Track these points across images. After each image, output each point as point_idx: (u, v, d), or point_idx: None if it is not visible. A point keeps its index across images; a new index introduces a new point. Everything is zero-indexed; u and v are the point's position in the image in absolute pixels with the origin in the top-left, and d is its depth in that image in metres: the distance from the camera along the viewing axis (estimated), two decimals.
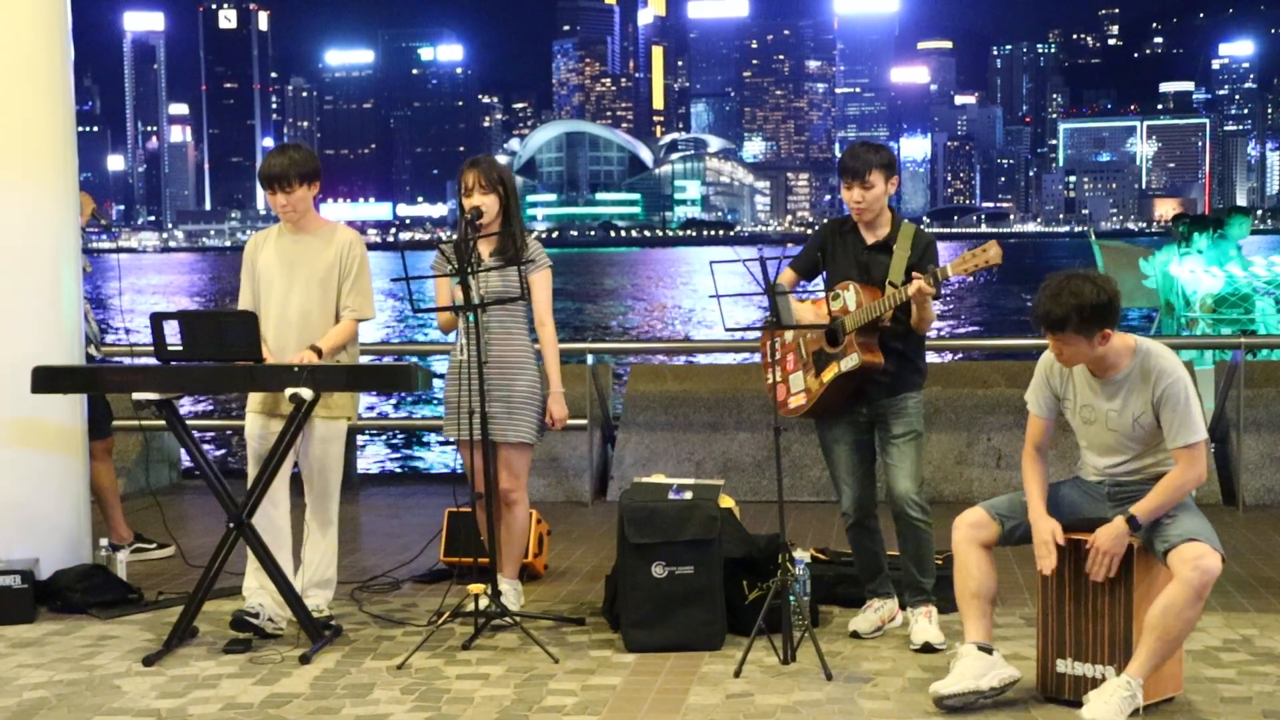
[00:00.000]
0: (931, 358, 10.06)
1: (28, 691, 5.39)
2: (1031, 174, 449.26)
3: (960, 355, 14.71)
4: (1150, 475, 5.07)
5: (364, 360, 7.01)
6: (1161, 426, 5.00)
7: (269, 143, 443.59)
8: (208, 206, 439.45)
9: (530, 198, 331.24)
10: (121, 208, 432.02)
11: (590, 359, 9.76)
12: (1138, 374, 5.02)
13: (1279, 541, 7.97)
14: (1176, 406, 4.95)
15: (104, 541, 7.33)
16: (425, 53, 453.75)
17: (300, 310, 6.20)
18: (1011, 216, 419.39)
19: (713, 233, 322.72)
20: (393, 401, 23.67)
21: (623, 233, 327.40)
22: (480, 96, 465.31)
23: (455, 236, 6.39)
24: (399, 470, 17.64)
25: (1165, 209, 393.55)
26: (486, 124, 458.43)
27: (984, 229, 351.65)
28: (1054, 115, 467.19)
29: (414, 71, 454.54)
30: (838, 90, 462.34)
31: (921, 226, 6.07)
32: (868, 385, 5.96)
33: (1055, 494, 5.21)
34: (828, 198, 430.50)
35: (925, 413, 9.31)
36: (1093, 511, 5.11)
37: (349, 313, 6.26)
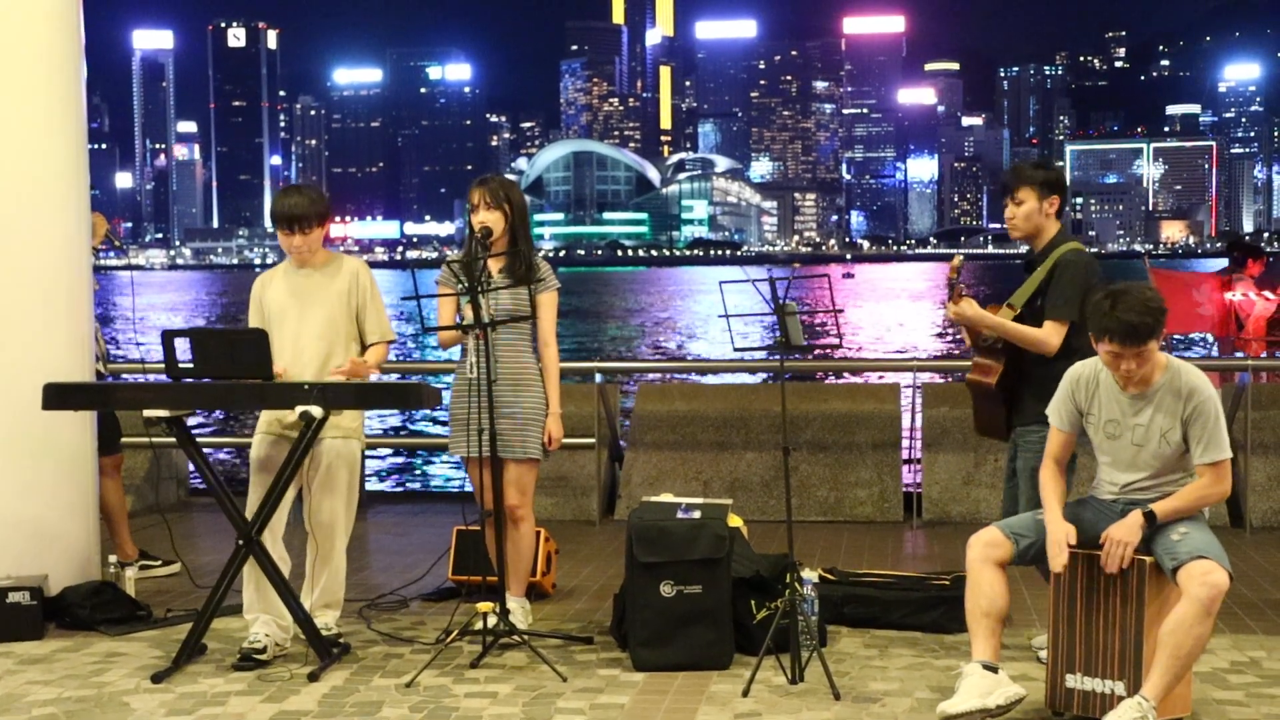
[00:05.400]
0: (936, 378, 10.09)
1: (37, 708, 5.40)
2: None
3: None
4: (1165, 494, 5.11)
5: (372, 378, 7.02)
6: (1188, 442, 5.05)
7: (277, 161, 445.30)
8: (215, 224, 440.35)
9: (537, 216, 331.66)
10: (129, 225, 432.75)
11: (598, 378, 9.77)
12: (1168, 390, 5.07)
13: None
14: (1206, 423, 5.01)
15: (113, 558, 7.33)
16: (433, 72, 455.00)
17: (316, 341, 6.20)
18: None
19: (720, 252, 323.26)
20: (390, 419, 23.68)
21: (630, 252, 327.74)
22: (488, 115, 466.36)
23: (463, 254, 6.43)
24: (407, 488, 17.63)
25: (1172, 231, 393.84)
26: (494, 143, 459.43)
27: (991, 250, 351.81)
28: (1061, 137, 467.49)
29: (422, 90, 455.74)
30: (845, 111, 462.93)
31: (1079, 247, 5.90)
32: (1011, 408, 5.96)
33: (1069, 513, 5.22)
34: (834, 218, 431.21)
35: (935, 433, 9.36)
36: (1107, 529, 5.12)
37: (373, 338, 6.30)
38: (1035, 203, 5.93)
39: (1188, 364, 5.16)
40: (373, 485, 15.50)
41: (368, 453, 10.07)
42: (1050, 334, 5.80)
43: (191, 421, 6.21)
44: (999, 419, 6.00)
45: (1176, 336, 12.99)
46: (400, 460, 20.26)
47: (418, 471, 19.63)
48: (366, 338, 6.31)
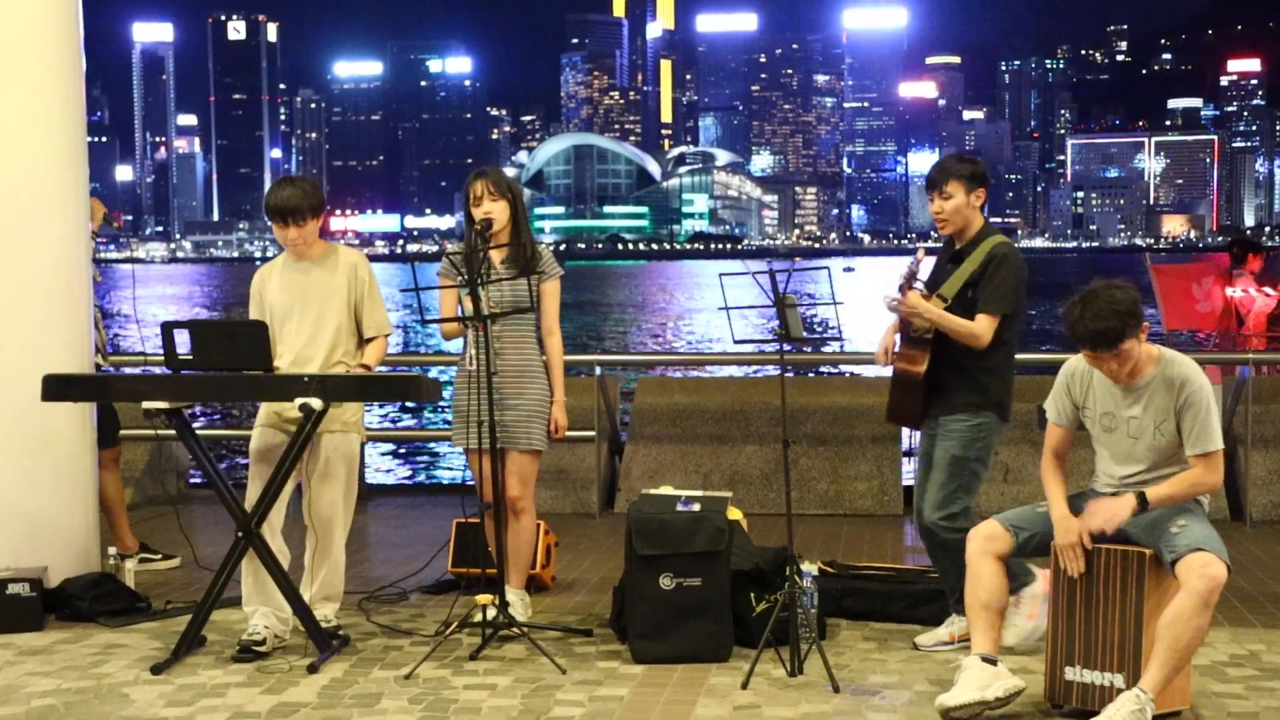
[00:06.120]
0: None
1: (36, 699, 5.40)
2: (1039, 189, 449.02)
3: None
4: None
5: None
6: (1181, 433, 5.05)
7: (277, 154, 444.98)
8: (215, 217, 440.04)
9: (538, 210, 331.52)
10: (130, 218, 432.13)
11: (598, 371, 9.77)
12: (1160, 381, 5.07)
13: None
14: (1198, 414, 5.01)
15: (112, 550, 7.34)
16: (434, 65, 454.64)
17: (319, 341, 6.19)
18: (1019, 232, 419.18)
19: (720, 246, 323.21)
20: (382, 410, 23.68)
21: (630, 245, 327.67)
22: (489, 109, 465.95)
23: (464, 247, 6.42)
24: (408, 481, 17.65)
25: (1173, 225, 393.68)
26: (495, 136, 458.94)
27: None
28: (1062, 131, 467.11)
29: (422, 83, 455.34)
30: (846, 105, 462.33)
31: (1006, 240, 5.96)
32: (930, 397, 5.96)
33: (1069, 507, 5.21)
34: (835, 212, 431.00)
35: None
36: (1098, 498, 5.12)
37: (374, 330, 6.30)
38: (963, 196, 5.97)
39: (1180, 355, 5.15)
40: (372, 477, 15.52)
41: (367, 445, 10.06)
42: (984, 328, 5.84)
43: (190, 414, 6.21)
44: (916, 408, 6.02)
45: (1176, 331, 12.98)
46: (401, 452, 20.28)
47: (419, 462, 19.64)
48: (365, 332, 6.31)
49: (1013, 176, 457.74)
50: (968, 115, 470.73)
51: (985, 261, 5.88)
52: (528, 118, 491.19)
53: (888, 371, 6.18)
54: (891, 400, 6.11)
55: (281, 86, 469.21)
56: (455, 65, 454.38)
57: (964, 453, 5.93)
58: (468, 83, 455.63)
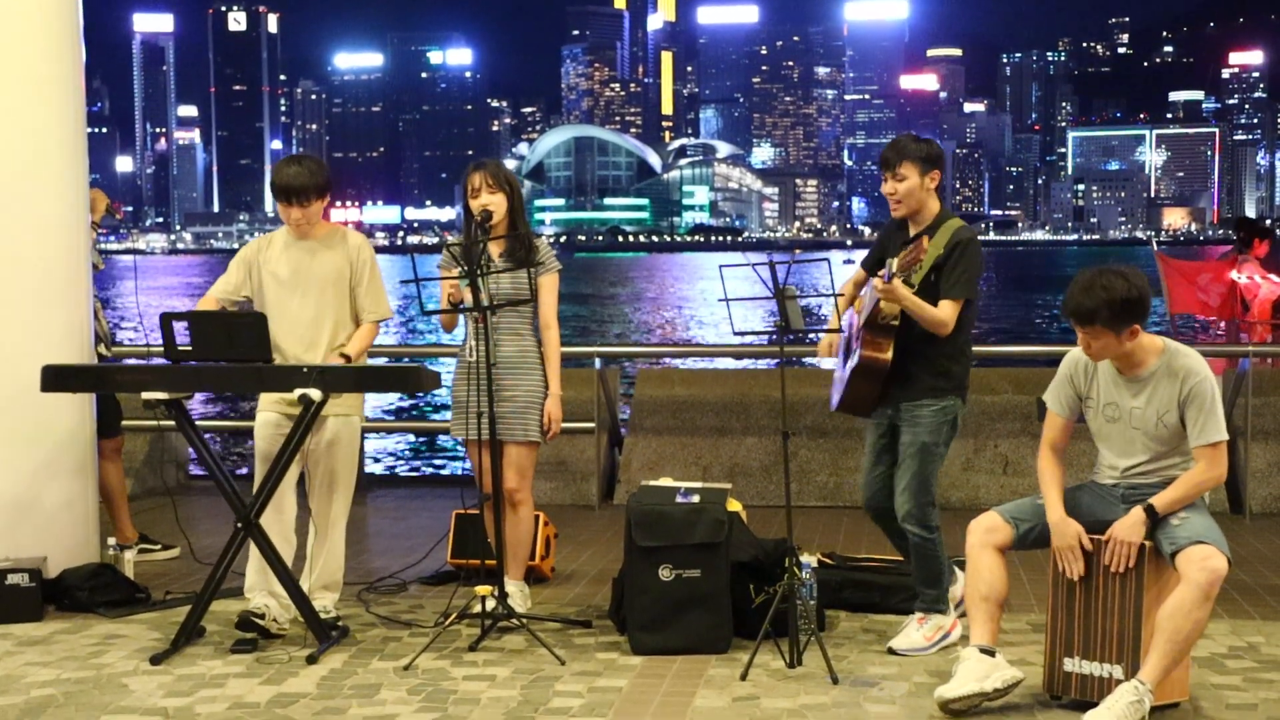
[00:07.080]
0: None
1: (35, 689, 5.40)
2: (1040, 182, 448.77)
3: None
4: (1166, 478, 5.12)
5: (371, 361, 7.02)
6: (1185, 425, 5.06)
7: (278, 145, 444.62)
8: (216, 209, 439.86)
9: (538, 202, 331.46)
10: (130, 209, 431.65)
11: (598, 363, 9.77)
12: (1164, 372, 5.08)
13: None
14: (1203, 405, 5.01)
15: (112, 540, 7.34)
16: (434, 56, 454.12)
17: (320, 323, 6.19)
18: (1020, 224, 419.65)
19: (721, 238, 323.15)
20: (391, 403, 23.66)
21: (630, 238, 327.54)
22: (489, 101, 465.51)
23: (463, 238, 6.41)
24: (407, 472, 17.64)
25: (1174, 218, 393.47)
26: (495, 128, 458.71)
27: (992, 236, 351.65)
28: (1063, 123, 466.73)
29: (423, 75, 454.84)
30: (847, 97, 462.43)
31: (966, 225, 5.92)
32: (889, 386, 5.94)
33: (1070, 499, 5.22)
34: (836, 204, 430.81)
35: None
36: (1108, 514, 5.12)
37: (368, 315, 6.29)
38: (917, 178, 5.91)
39: (1184, 347, 5.16)
40: (372, 469, 15.52)
41: (367, 437, 10.07)
42: (949, 314, 5.80)
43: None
44: (874, 396, 5.98)
45: (1179, 317, 13.02)
46: (400, 444, 20.27)
47: (420, 453, 19.64)
48: (361, 315, 6.30)
49: (1013, 169, 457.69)
50: (969, 108, 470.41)
51: (950, 247, 5.84)
52: (528, 109, 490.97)
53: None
54: (848, 389, 6.03)
55: (282, 78, 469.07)
56: (456, 57, 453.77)
57: (933, 438, 5.91)
58: (468, 74, 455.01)
